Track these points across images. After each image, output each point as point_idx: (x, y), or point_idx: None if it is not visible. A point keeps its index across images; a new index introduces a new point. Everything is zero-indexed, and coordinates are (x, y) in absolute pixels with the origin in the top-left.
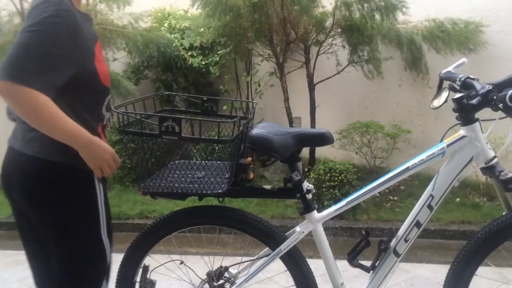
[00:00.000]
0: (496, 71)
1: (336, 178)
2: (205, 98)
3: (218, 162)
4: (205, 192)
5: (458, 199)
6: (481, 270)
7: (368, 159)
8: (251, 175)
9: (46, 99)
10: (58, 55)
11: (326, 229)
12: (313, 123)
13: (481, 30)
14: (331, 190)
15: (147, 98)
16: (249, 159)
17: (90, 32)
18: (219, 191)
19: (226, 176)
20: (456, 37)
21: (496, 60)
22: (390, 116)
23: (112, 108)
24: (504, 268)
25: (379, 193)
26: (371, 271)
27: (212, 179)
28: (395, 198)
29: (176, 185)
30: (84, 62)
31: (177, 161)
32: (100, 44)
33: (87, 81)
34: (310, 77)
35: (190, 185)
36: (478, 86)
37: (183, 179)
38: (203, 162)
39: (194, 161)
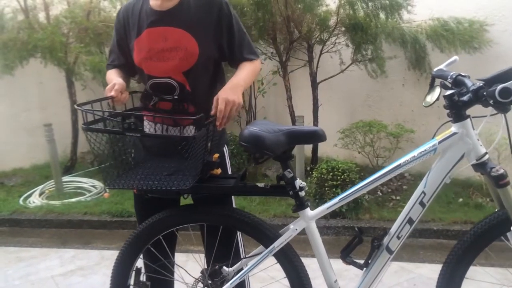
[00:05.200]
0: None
1: (338, 177)
2: (175, 97)
3: (188, 159)
4: (169, 188)
5: (461, 199)
6: (473, 273)
7: (371, 159)
8: (218, 171)
9: None
10: None
11: (328, 228)
12: (315, 122)
13: (485, 29)
14: (334, 189)
15: (107, 98)
16: (216, 155)
17: None
18: (183, 187)
19: (193, 173)
20: (461, 36)
21: (500, 59)
22: (393, 116)
23: (75, 106)
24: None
25: (381, 192)
26: (364, 268)
27: (180, 176)
28: (398, 197)
29: (142, 182)
30: None
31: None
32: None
33: None
34: (313, 75)
35: (156, 182)
36: (468, 83)
37: (150, 176)
38: (173, 159)
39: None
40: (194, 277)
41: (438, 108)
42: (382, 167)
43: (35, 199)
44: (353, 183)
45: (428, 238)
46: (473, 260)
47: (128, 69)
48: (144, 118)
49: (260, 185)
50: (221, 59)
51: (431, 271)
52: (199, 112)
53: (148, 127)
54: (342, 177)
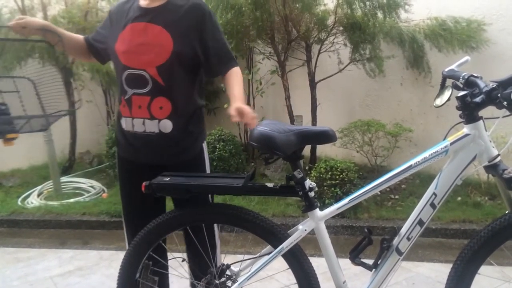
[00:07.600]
0: (498, 69)
1: (337, 177)
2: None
3: None
4: None
5: (459, 198)
6: (483, 269)
7: (369, 158)
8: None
9: None
10: None
11: (327, 227)
12: (314, 122)
13: (483, 29)
14: (332, 189)
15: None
16: None
17: None
18: None
19: None
20: (458, 35)
21: (498, 58)
22: (392, 115)
23: None
24: (506, 267)
25: (380, 191)
26: (373, 270)
27: None
28: (396, 196)
29: None
30: None
31: None
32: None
33: None
34: (311, 75)
35: None
36: (481, 84)
37: None
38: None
39: None
40: (202, 276)
41: (436, 107)
42: (380, 166)
43: (34, 200)
44: (352, 183)
45: (426, 237)
46: (483, 261)
47: (89, 47)
48: (122, 115)
49: (269, 185)
50: (198, 62)
51: (430, 270)
52: (177, 109)
53: (125, 123)
54: (341, 176)
